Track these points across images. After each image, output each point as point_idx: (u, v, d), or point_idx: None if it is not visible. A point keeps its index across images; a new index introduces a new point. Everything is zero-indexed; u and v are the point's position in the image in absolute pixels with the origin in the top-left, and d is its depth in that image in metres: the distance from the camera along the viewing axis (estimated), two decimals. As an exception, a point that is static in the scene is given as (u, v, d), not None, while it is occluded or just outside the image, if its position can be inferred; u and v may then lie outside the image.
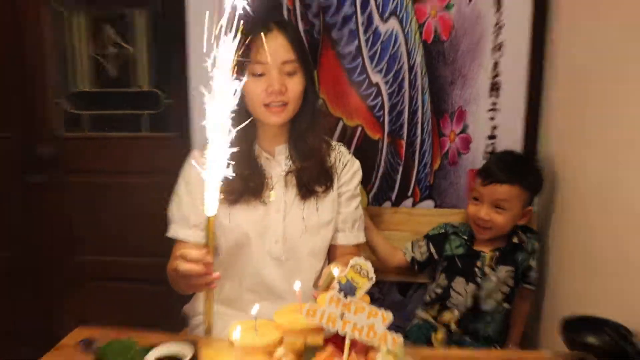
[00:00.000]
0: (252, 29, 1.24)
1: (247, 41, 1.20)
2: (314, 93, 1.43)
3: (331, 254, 1.48)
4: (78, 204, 2.08)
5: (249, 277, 1.42)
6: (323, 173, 1.42)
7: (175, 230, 1.41)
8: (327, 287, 1.13)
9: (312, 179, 1.40)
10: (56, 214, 2.09)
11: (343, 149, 1.50)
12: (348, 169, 1.47)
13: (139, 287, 2.07)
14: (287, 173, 1.41)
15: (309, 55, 1.36)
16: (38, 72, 2.00)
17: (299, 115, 1.39)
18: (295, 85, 1.34)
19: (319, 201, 1.42)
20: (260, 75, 1.32)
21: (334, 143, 1.50)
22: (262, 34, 1.29)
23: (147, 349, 1.05)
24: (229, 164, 1.05)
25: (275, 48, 1.31)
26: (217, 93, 1.04)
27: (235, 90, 1.05)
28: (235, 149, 1.05)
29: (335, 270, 1.09)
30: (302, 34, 1.71)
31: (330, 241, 1.46)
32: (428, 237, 1.68)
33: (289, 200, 1.41)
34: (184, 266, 1.10)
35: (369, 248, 1.64)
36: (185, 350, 1.05)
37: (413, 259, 1.68)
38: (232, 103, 1.05)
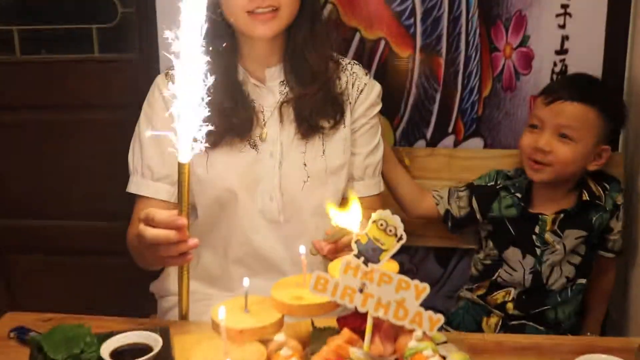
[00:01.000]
0: None
1: None
2: None
3: (345, 209, 1.49)
4: (6, 150, 2.08)
5: (236, 245, 1.43)
6: (330, 102, 1.41)
7: (136, 185, 1.42)
8: (336, 242, 1.14)
9: (316, 110, 1.39)
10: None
11: (358, 68, 1.49)
12: (365, 96, 1.46)
13: (90, 259, 2.08)
14: (283, 103, 1.40)
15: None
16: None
17: (295, 25, 1.38)
18: None
19: (325, 140, 1.41)
20: None
21: (345, 61, 1.48)
22: None
23: (103, 338, 1.05)
24: (205, 93, 1.05)
25: None
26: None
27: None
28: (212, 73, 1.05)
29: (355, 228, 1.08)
30: None
31: (343, 193, 1.45)
32: (472, 188, 1.67)
33: (287, 141, 1.40)
34: (150, 232, 1.11)
35: (386, 186, 1.63)
36: (154, 340, 1.05)
37: (448, 212, 1.67)
38: (207, 10, 1.04)
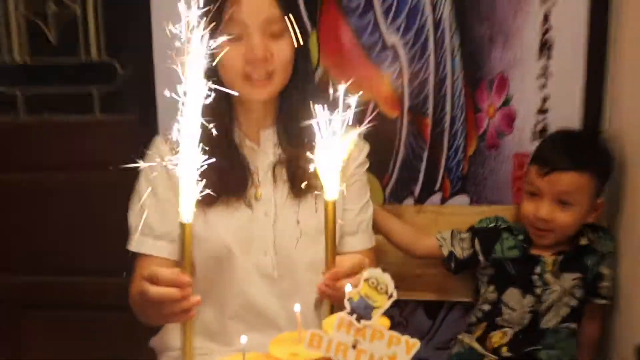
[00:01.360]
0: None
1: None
2: (307, 59, 1.47)
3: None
4: (10, 208, 2.09)
5: (232, 301, 1.45)
6: None
7: (137, 243, 1.43)
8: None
9: (309, 170, 1.36)
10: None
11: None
12: (356, 156, 1.50)
13: (91, 315, 2.08)
14: (276, 164, 1.44)
15: (300, 10, 1.37)
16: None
17: (289, 89, 1.43)
18: (282, 50, 1.37)
19: (318, 199, 1.42)
20: (238, 38, 1.34)
21: (336, 123, 1.53)
22: None
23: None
24: (203, 154, 1.04)
25: (255, 2, 1.34)
26: (189, 62, 1.02)
27: (211, 55, 1.04)
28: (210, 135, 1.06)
29: (348, 286, 1.08)
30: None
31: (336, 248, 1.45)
32: (474, 231, 1.70)
33: (280, 200, 1.44)
34: (154, 290, 1.11)
35: (381, 233, 1.66)
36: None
37: (452, 254, 1.70)
38: (207, 74, 1.04)
